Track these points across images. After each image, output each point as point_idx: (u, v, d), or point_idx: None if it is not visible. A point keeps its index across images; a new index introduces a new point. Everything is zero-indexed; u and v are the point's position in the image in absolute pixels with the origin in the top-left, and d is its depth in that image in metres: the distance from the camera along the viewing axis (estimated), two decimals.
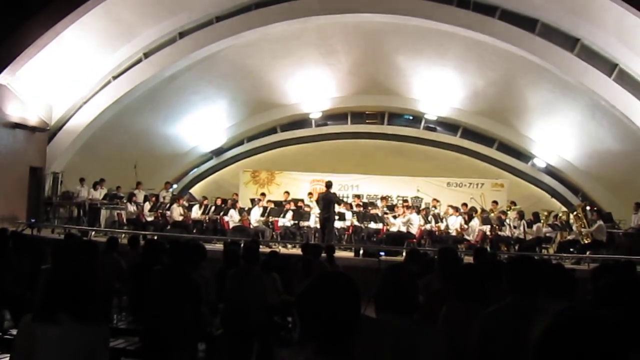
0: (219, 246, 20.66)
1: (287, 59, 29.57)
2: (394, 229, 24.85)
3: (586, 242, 23.54)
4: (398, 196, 29.60)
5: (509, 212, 25.30)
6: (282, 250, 22.44)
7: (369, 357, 4.02)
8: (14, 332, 5.85)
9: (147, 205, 26.17)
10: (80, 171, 27.84)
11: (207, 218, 26.33)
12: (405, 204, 26.79)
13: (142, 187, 27.58)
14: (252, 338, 10.60)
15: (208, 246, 16.26)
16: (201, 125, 32.52)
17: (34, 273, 10.73)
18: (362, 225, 25.30)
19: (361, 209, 26.04)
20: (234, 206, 26.20)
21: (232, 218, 25.79)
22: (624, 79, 25.16)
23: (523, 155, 32.07)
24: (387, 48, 28.74)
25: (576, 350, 2.34)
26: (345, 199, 27.44)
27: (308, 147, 33.87)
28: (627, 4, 22.03)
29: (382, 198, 28.09)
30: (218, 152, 34.62)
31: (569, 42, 25.62)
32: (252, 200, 27.20)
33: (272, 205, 26.27)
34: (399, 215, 25.24)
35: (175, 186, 31.95)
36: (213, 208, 26.40)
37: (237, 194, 28.80)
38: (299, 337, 12.96)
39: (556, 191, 31.47)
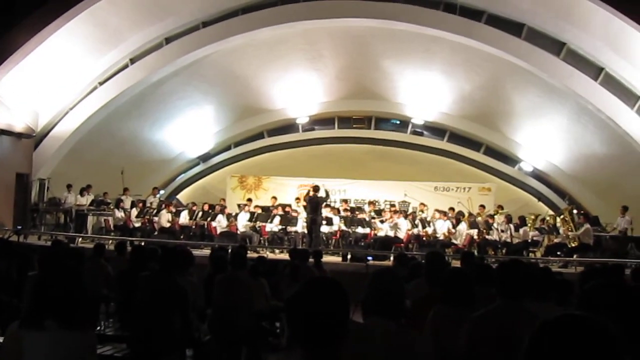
0: (207, 252, 20.62)
1: (274, 64, 29.56)
2: (381, 233, 24.85)
3: (573, 245, 23.56)
4: (385, 201, 29.63)
5: (496, 216, 25.33)
6: (270, 255, 22.53)
7: None
8: (1, 339, 5.82)
9: (135, 211, 26.14)
10: (67, 177, 27.82)
11: (194, 224, 26.29)
12: (393, 208, 26.90)
13: (129, 193, 27.53)
14: (240, 344, 10.59)
15: (196, 252, 16.31)
16: (188, 130, 32.49)
17: (21, 280, 10.70)
18: (349, 230, 25.31)
19: (349, 213, 26.11)
20: (221, 212, 26.19)
21: (220, 223, 25.77)
22: (610, 82, 25.26)
23: (510, 159, 32.14)
24: (374, 53, 28.76)
25: (569, 355, 2.34)
26: (332, 204, 27.40)
27: (295, 152, 33.86)
28: (613, 9, 22.12)
29: (370, 203, 28.05)
30: (205, 157, 34.59)
31: (555, 46, 25.69)
32: (240, 206, 27.19)
33: (260, 211, 26.23)
34: (386, 219, 25.22)
35: (162, 192, 31.94)
36: (200, 214, 26.38)
37: (224, 200, 28.77)
38: (287, 343, 12.96)
39: (543, 195, 31.56)
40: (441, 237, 24.61)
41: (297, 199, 27.72)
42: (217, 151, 34.76)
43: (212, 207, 26.82)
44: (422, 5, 25.97)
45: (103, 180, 28.07)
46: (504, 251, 23.97)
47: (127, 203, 26.80)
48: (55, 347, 4.79)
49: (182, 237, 25.50)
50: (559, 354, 2.35)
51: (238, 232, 25.44)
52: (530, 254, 24.27)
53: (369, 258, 21.55)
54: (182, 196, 33.19)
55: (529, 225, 24.93)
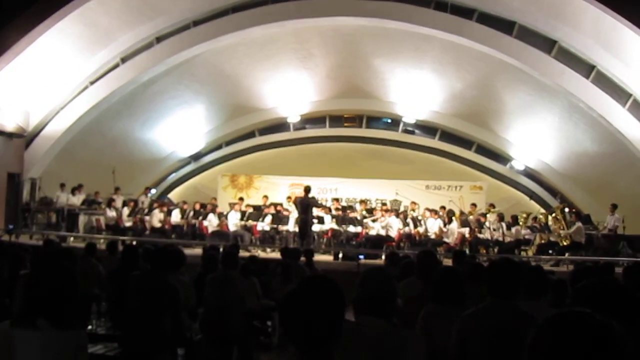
0: (198, 251, 20.60)
1: (265, 63, 29.55)
2: (373, 232, 24.85)
3: (565, 244, 23.61)
4: (377, 199, 29.66)
5: (488, 215, 25.34)
6: (261, 254, 22.47)
7: None
8: None
9: (126, 211, 26.11)
10: (58, 177, 27.76)
11: (186, 223, 26.26)
12: (384, 207, 26.95)
13: (120, 193, 27.50)
14: (231, 343, 10.58)
15: (187, 251, 16.27)
16: (179, 129, 32.45)
17: (12, 279, 10.68)
18: (341, 229, 25.28)
19: (340, 212, 26.07)
20: (213, 211, 26.16)
21: (211, 223, 25.74)
22: (601, 80, 25.28)
23: (501, 158, 32.15)
24: (364, 51, 28.77)
25: (574, 352, 2.33)
26: (324, 203, 27.40)
27: (286, 151, 33.84)
28: (604, 6, 22.17)
29: (361, 201, 28.03)
30: (196, 156, 34.53)
31: (547, 44, 25.71)
32: (231, 205, 27.18)
33: (251, 210, 26.23)
34: (377, 218, 25.25)
35: (154, 191, 31.88)
36: (192, 213, 26.36)
37: (215, 199, 28.73)
38: (279, 342, 12.96)
39: (535, 193, 31.56)
40: (432, 236, 24.61)
41: (289, 197, 27.71)
42: (208, 150, 34.69)
43: (203, 206, 26.78)
44: (412, 4, 25.92)
45: (94, 179, 28.03)
46: (495, 250, 23.98)
47: (118, 202, 26.77)
48: (47, 346, 4.77)
49: (173, 236, 25.49)
50: (562, 350, 2.34)
51: (229, 231, 25.42)
52: (522, 252, 24.28)
53: (361, 257, 21.56)
54: (174, 195, 33.13)
55: (521, 223, 24.95)
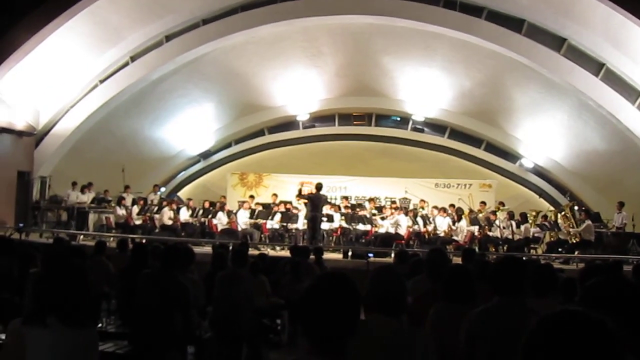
0: (208, 249, 20.61)
1: (274, 61, 29.56)
2: (382, 230, 24.85)
3: (574, 242, 23.58)
4: (386, 197, 29.64)
5: (498, 213, 25.31)
6: (271, 252, 22.40)
7: (357, 359, 4.02)
8: (3, 336, 5.82)
9: (136, 209, 26.13)
10: (68, 175, 27.82)
11: (196, 221, 26.29)
12: (394, 205, 26.91)
13: (130, 191, 27.51)
14: (241, 341, 10.61)
15: (196, 249, 16.28)
16: (188, 128, 32.47)
17: (22, 277, 10.70)
18: (350, 227, 25.30)
19: (349, 210, 26.05)
20: (222, 209, 26.18)
21: (221, 221, 25.76)
22: (610, 78, 25.23)
23: (511, 156, 32.10)
24: (373, 49, 28.74)
25: (566, 350, 2.33)
26: (333, 201, 27.38)
27: (296, 149, 33.86)
28: (614, 4, 22.09)
29: (370, 199, 27.97)
30: (205, 155, 34.53)
31: (556, 42, 25.66)
32: (239, 203, 27.20)
33: (260, 208, 26.26)
34: (387, 216, 25.26)
35: (163, 189, 31.88)
36: (201, 211, 26.40)
37: (224, 197, 28.71)
38: (288, 339, 12.98)
39: (544, 191, 31.50)
40: (442, 234, 24.61)
41: (298, 195, 27.67)
42: (218, 148, 34.69)
43: (212, 204, 26.83)
44: (422, 2, 25.88)
45: (104, 178, 28.13)
46: (505, 248, 23.92)
47: (128, 200, 26.78)
48: (58, 344, 4.79)
49: (183, 234, 25.53)
50: (556, 349, 2.34)
51: (239, 229, 25.43)
52: (532, 250, 24.23)
53: (370, 255, 21.52)
54: (183, 194, 33.12)
55: (530, 221, 24.92)
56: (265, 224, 25.79)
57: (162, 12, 26.97)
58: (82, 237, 24.72)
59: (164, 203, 26.74)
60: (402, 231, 24.41)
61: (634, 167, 27.15)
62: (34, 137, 28.22)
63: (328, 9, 26.38)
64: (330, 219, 25.14)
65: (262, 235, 25.56)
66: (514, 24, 25.78)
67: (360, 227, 25.29)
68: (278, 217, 25.62)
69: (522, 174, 32.04)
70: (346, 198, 28.16)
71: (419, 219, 25.24)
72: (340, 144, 33.52)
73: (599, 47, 24.88)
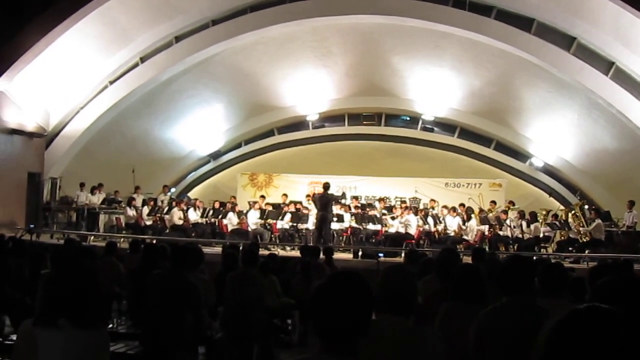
0: (218, 249, 20.63)
1: (283, 61, 29.58)
2: (392, 230, 24.89)
3: (585, 241, 23.55)
4: (396, 197, 29.65)
5: (509, 212, 25.29)
6: (281, 252, 22.44)
7: (367, 359, 4.03)
8: (14, 337, 5.84)
9: (146, 209, 26.18)
10: (78, 176, 27.87)
11: (206, 222, 26.32)
12: (404, 204, 26.86)
13: (140, 191, 27.59)
14: (251, 341, 10.61)
15: (206, 249, 16.32)
16: (198, 128, 32.49)
17: (33, 278, 10.74)
18: (360, 227, 25.34)
19: (359, 210, 26.11)
20: (232, 209, 26.22)
21: (231, 221, 25.81)
22: (620, 77, 25.16)
23: (521, 155, 32.09)
24: (383, 49, 28.74)
25: (589, 347, 2.33)
26: (343, 201, 27.37)
27: (305, 149, 33.88)
28: (623, 2, 22.02)
29: (380, 199, 28.06)
30: (215, 155, 34.58)
31: (565, 41, 25.61)
32: (250, 203, 27.24)
33: (271, 208, 26.30)
34: (397, 216, 25.28)
35: (173, 190, 31.94)
36: (211, 211, 26.43)
37: (235, 197, 28.78)
38: (299, 339, 12.99)
39: (554, 190, 31.44)
40: (452, 234, 24.62)
41: (308, 196, 27.68)
42: (228, 149, 34.74)
43: (222, 204, 26.88)
44: (431, 1, 25.85)
45: (114, 178, 28.24)
46: (515, 247, 23.87)
47: (138, 201, 26.86)
48: (70, 345, 4.80)
49: (193, 234, 25.55)
50: (581, 346, 2.33)
51: (249, 229, 25.47)
52: (542, 249, 24.20)
53: (380, 255, 21.55)
54: (193, 194, 33.11)
55: (540, 220, 24.90)
56: (276, 224, 25.86)
57: (171, 12, 26.98)
58: (92, 238, 24.77)
59: (174, 203, 26.79)
60: (412, 231, 24.42)
61: None
62: (45, 138, 28.25)
63: (338, 9, 26.37)
64: (340, 219, 25.16)
65: (272, 236, 25.63)
66: (524, 23, 25.73)
67: (371, 227, 25.35)
68: (288, 217, 25.68)
69: (532, 173, 32.03)
70: (356, 198, 28.14)
71: (429, 219, 25.28)
72: (350, 144, 33.54)
73: (609, 46, 24.83)
